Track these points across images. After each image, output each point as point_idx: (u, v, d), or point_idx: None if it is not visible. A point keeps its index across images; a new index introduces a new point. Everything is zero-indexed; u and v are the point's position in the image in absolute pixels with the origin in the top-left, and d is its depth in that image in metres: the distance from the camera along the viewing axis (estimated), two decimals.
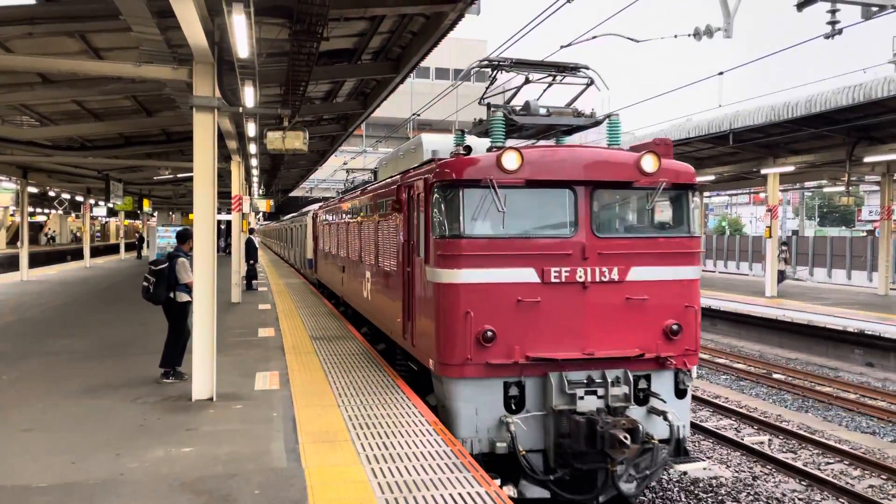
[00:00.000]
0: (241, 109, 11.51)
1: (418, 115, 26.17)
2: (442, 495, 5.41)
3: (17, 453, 6.51)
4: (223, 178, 20.13)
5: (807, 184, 34.32)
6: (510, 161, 7.28)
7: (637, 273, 7.62)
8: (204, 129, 8.46)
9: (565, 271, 7.41)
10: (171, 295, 9.28)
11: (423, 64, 14.00)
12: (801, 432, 11.81)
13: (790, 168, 23.43)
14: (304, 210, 30.45)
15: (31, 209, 36.61)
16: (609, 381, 7.29)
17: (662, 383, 7.72)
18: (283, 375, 9.52)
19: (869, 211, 54.73)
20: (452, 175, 7.50)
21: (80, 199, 36.40)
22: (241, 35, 7.81)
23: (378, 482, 5.64)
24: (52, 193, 37.84)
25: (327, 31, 9.51)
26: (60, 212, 53.62)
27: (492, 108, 8.20)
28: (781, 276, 26.28)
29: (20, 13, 9.47)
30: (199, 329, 8.40)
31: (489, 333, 7.21)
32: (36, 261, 35.07)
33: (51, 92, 13.69)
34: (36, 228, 61.11)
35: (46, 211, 57.36)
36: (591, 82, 8.60)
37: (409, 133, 42.85)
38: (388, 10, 10.87)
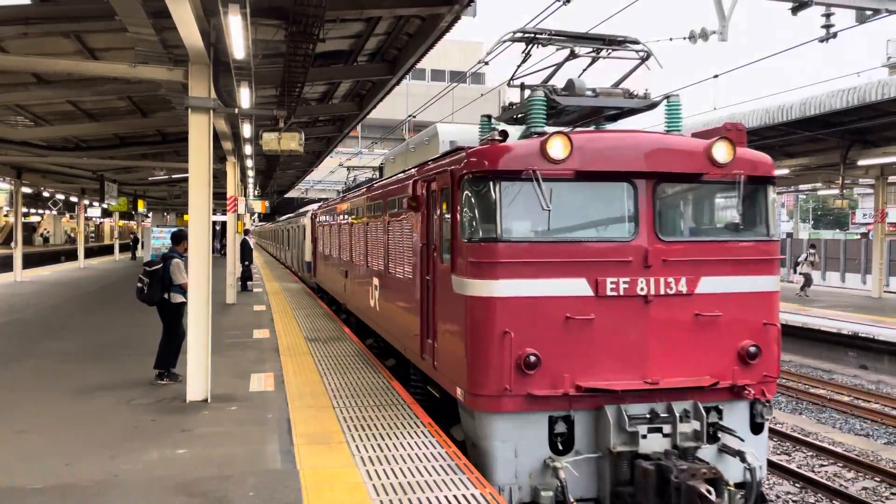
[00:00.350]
0: (236, 110, 11.50)
1: (414, 117, 26.23)
2: (437, 497, 5.40)
3: (12, 455, 6.49)
4: (218, 178, 20.06)
5: (801, 186, 34.43)
6: (557, 148, 6.15)
7: (708, 284, 6.47)
8: (199, 130, 8.44)
9: (623, 282, 6.28)
10: (166, 296, 9.27)
11: (419, 65, 14.02)
12: (795, 434, 11.84)
13: (785, 171, 23.54)
14: (302, 210, 30.10)
15: (25, 210, 36.50)
16: (677, 415, 6.17)
17: (736, 416, 6.57)
18: (278, 377, 9.50)
19: (863, 214, 55.05)
20: (486, 165, 6.34)
21: (74, 199, 36.29)
22: (237, 36, 7.80)
23: (373, 484, 5.63)
24: (46, 194, 37.73)
25: (323, 33, 9.51)
26: (55, 212, 53.54)
27: (530, 89, 7.16)
28: (808, 280, 25.75)
29: (15, 13, 9.44)
30: (194, 330, 8.38)
31: (532, 358, 6.07)
32: (30, 261, 34.99)
33: (45, 92, 13.64)
34: (30, 229, 60.92)
35: (41, 211, 57.18)
36: (648, 56, 7.44)
37: (405, 135, 42.84)
38: (384, 11, 10.86)
